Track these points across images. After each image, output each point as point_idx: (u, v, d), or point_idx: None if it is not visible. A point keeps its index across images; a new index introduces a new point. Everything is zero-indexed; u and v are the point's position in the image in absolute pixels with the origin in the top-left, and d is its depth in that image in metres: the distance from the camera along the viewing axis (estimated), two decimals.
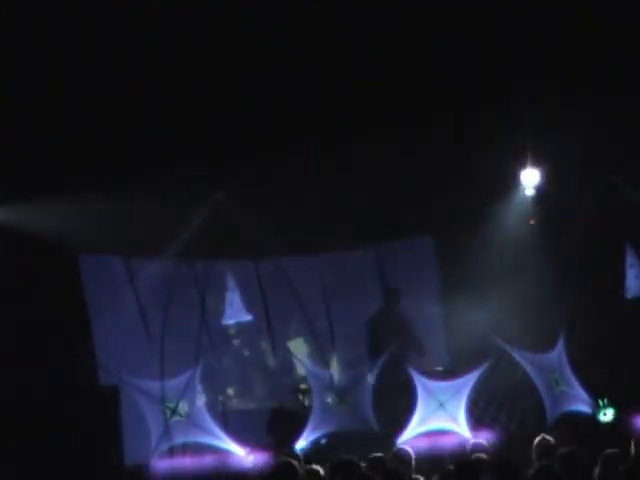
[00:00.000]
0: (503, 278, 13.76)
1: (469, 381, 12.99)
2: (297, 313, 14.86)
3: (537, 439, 8.74)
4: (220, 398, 14.24)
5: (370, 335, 13.93)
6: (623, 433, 11.86)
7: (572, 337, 13.48)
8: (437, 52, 11.49)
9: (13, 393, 12.09)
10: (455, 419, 12.88)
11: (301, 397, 13.66)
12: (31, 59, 10.82)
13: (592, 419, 13.15)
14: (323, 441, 12.92)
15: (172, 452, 12.97)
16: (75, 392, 12.38)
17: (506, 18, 11.19)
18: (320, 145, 12.18)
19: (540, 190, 13.64)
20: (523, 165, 13.41)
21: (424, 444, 12.51)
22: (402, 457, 9.07)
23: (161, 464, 12.59)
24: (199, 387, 13.22)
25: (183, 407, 12.86)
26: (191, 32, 10.92)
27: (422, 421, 12.85)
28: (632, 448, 8.40)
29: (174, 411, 12.79)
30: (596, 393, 13.23)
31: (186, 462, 12.83)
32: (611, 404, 13.12)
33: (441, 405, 12.90)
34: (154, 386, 12.88)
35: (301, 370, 14.20)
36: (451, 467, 7.93)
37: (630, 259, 14.47)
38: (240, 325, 14.92)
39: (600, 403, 13.14)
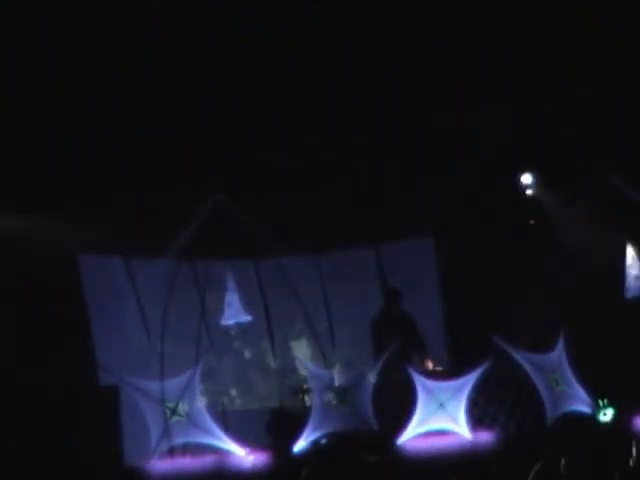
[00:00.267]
0: (503, 278, 13.76)
1: (469, 381, 12.98)
2: (297, 313, 14.86)
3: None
4: (220, 398, 14.24)
5: (373, 337, 13.92)
6: (623, 433, 11.87)
7: (572, 337, 13.47)
8: (437, 52, 11.50)
9: (13, 393, 12.09)
10: (455, 419, 12.88)
11: (301, 397, 13.66)
12: (31, 59, 10.83)
13: (592, 419, 13.14)
14: (323, 441, 12.91)
15: (172, 452, 12.96)
16: (75, 392, 12.38)
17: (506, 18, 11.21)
18: (320, 145, 12.19)
19: (540, 190, 13.64)
20: (523, 165, 13.42)
21: (424, 444, 12.51)
22: None
23: (161, 464, 12.58)
24: (199, 387, 13.20)
25: (183, 407, 12.84)
26: (191, 32, 10.92)
27: (422, 421, 12.84)
28: (633, 449, 8.37)
29: (174, 411, 12.78)
30: (596, 393, 13.22)
31: (186, 462, 12.83)
32: (611, 404, 13.12)
33: (441, 405, 12.90)
34: (154, 386, 12.87)
35: (301, 370, 14.20)
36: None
37: (630, 259, 14.47)
38: (240, 325, 14.91)
39: (600, 403, 13.13)
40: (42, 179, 11.88)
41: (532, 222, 14.48)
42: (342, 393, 13.13)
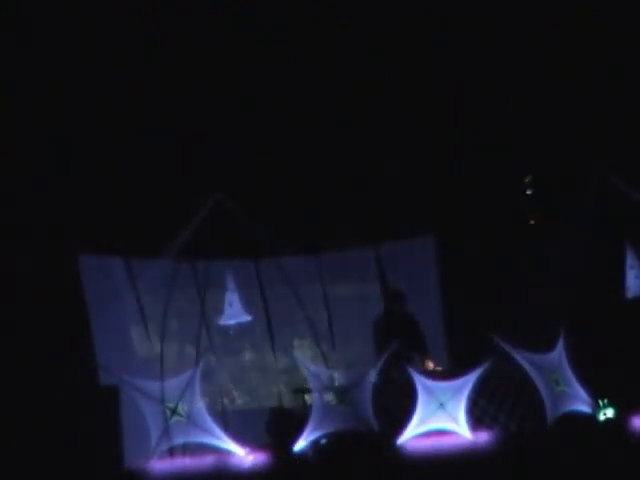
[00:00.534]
0: (503, 278, 13.75)
1: (469, 381, 12.98)
2: (297, 313, 14.85)
3: None
4: (220, 398, 14.24)
5: (374, 337, 13.91)
6: (623, 433, 11.86)
7: (572, 337, 13.47)
8: (437, 52, 11.51)
9: (13, 393, 12.09)
10: (455, 419, 12.87)
11: (301, 397, 13.65)
12: (31, 59, 10.83)
13: (592, 419, 13.14)
14: (323, 441, 12.91)
15: (172, 452, 12.96)
16: (75, 392, 12.38)
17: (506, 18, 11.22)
18: (320, 145, 12.19)
19: (540, 190, 13.64)
20: (523, 165, 13.41)
21: (424, 444, 12.51)
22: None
23: (161, 464, 12.58)
24: (199, 387, 13.20)
25: (183, 407, 12.83)
26: (191, 32, 10.93)
27: (422, 421, 12.84)
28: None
29: (174, 411, 12.77)
30: (596, 393, 13.22)
31: (186, 462, 12.83)
32: (611, 404, 13.12)
33: (441, 405, 12.90)
34: (154, 386, 12.85)
35: (301, 370, 14.19)
36: None
37: (630, 259, 14.47)
38: (240, 325, 14.90)
39: (600, 403, 13.13)
40: (42, 179, 11.89)
41: (532, 222, 14.47)
42: (342, 393, 13.12)
